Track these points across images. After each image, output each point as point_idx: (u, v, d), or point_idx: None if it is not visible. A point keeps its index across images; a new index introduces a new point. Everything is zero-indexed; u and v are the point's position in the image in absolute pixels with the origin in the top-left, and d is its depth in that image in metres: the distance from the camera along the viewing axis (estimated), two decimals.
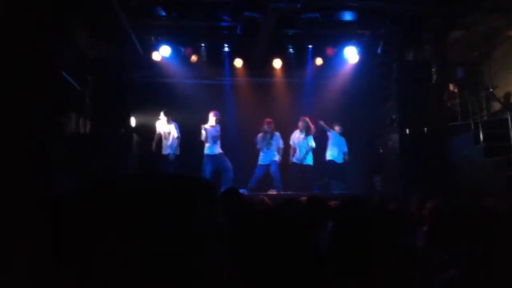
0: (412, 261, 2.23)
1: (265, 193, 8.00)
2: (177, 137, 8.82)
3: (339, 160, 9.32)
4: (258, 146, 8.95)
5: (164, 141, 8.82)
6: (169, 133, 8.82)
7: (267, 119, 8.95)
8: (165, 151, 8.79)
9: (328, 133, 9.39)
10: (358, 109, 10.00)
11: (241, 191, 6.03)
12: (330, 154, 9.32)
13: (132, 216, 0.79)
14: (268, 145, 8.87)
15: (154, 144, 8.82)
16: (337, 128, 9.41)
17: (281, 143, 8.96)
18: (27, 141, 4.74)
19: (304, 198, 4.49)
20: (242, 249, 1.22)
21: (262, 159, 8.92)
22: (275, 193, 8.38)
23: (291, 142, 9.09)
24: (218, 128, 8.78)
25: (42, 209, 0.85)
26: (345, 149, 9.36)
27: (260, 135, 8.95)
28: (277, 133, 8.96)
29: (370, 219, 1.94)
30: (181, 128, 8.91)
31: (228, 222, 1.26)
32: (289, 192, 8.30)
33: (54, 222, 0.81)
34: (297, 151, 9.00)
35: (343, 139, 9.41)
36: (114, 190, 0.84)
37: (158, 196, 0.82)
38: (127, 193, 0.82)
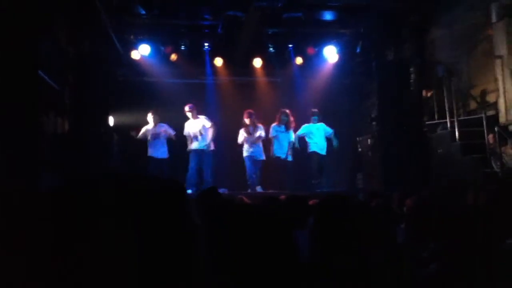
0: (393, 257, 2.24)
1: (245, 192, 7.97)
2: (173, 135, 8.65)
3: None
4: (240, 142, 8.64)
5: (151, 143, 8.53)
6: (158, 134, 8.55)
7: (248, 110, 8.65)
8: (152, 154, 8.55)
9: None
10: (338, 108, 10.07)
11: (220, 190, 6.01)
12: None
13: (109, 216, 0.79)
14: (252, 138, 8.57)
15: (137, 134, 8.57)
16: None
17: (263, 134, 8.64)
18: (6, 139, 4.68)
19: (283, 196, 4.49)
20: (219, 249, 1.21)
21: (247, 152, 8.59)
22: (258, 191, 8.26)
23: (270, 136, 8.73)
24: (198, 123, 8.51)
25: (28, 205, 0.85)
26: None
27: (242, 129, 8.65)
28: (260, 125, 8.67)
29: (351, 216, 1.94)
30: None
31: (204, 222, 1.25)
32: (270, 191, 8.22)
33: (39, 218, 0.80)
34: (276, 145, 8.66)
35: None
36: (94, 189, 0.83)
37: (129, 196, 0.82)
38: (104, 193, 0.82)
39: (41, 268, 0.76)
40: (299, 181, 8.84)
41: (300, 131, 8.85)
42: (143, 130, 8.65)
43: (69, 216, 0.78)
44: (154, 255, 0.78)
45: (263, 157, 8.67)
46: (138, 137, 8.64)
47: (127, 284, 0.76)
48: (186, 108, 8.51)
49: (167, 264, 0.79)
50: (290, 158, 8.72)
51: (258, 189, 8.44)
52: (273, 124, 8.74)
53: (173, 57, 9.22)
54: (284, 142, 8.69)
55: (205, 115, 8.73)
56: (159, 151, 8.56)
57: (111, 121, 8.81)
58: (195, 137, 8.49)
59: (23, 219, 0.82)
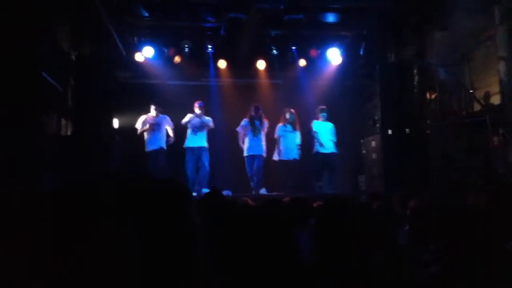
0: (393, 258, 2.24)
1: (249, 194, 7.92)
2: (171, 128, 8.42)
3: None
4: (239, 130, 8.39)
5: (150, 134, 8.30)
6: (158, 125, 8.32)
7: (255, 104, 8.42)
8: (150, 147, 8.33)
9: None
10: (340, 110, 10.06)
11: (224, 192, 5.98)
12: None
13: (109, 216, 0.79)
14: (256, 131, 8.28)
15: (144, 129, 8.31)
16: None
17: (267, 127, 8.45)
18: (6, 139, 4.70)
19: (287, 199, 4.48)
20: (219, 249, 1.21)
21: (248, 149, 8.34)
22: (262, 194, 8.05)
23: (276, 135, 8.52)
24: (203, 119, 8.35)
25: (28, 205, 0.85)
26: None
27: (245, 119, 8.40)
28: (266, 121, 8.45)
29: (352, 217, 1.94)
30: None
31: (205, 222, 1.25)
32: (274, 193, 8.09)
33: (39, 218, 0.80)
34: (282, 146, 8.44)
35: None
36: (94, 190, 0.83)
37: (129, 196, 0.82)
38: (104, 193, 0.82)
39: (41, 268, 0.76)
40: (302, 182, 8.80)
41: (314, 127, 8.66)
42: (141, 119, 8.35)
43: (69, 216, 0.78)
44: (154, 255, 0.78)
45: (263, 153, 8.39)
46: (139, 131, 8.34)
47: (127, 284, 0.76)
48: (197, 104, 8.34)
49: (167, 264, 0.79)
50: (297, 157, 8.50)
51: (262, 191, 8.28)
52: (279, 124, 8.60)
53: (177, 59, 9.22)
54: (291, 142, 8.49)
55: (208, 116, 8.68)
56: (158, 143, 8.28)
57: (115, 123, 8.80)
58: (195, 131, 8.30)
59: (23, 219, 0.82)
